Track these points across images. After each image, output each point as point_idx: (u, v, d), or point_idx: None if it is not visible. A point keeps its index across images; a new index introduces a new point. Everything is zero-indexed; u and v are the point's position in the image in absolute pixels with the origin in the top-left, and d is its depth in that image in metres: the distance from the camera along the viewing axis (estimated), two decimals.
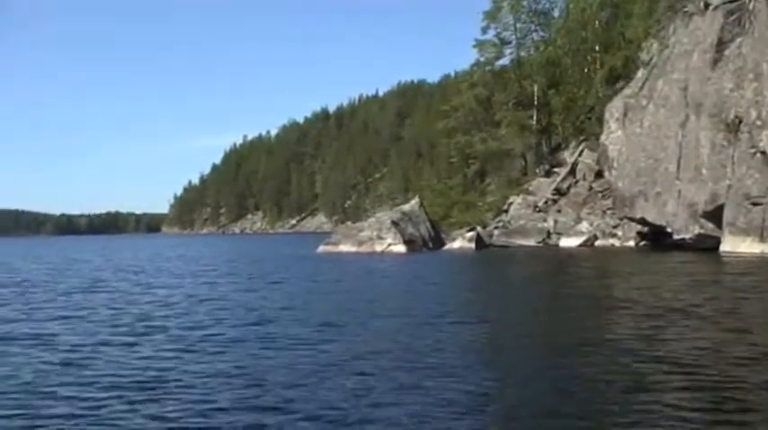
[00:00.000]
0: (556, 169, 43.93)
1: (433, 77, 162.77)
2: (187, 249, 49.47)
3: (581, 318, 10.75)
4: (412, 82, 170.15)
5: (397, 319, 10.65)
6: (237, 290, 16.49)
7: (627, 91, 31.83)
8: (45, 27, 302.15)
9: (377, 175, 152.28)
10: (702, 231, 25.68)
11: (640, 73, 31.70)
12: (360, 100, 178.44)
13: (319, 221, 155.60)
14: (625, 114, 30.97)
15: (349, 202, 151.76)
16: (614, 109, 31.98)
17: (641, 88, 30.58)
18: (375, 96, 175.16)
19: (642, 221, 30.04)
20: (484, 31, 46.00)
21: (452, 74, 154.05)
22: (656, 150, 28.58)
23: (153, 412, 5.71)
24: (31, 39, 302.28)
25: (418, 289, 16.23)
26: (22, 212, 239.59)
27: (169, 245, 65.98)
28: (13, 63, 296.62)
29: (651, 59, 31.23)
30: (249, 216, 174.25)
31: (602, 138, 32.36)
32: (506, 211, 41.71)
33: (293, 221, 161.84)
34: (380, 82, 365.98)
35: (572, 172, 41.15)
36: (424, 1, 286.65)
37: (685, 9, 28.93)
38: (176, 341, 9.04)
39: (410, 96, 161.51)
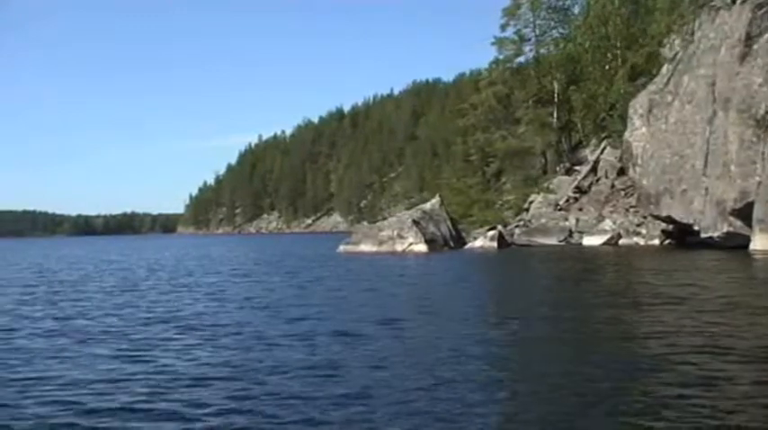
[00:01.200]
0: (576, 167, 43.49)
1: (448, 76, 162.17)
2: (208, 249, 49.42)
3: (641, 315, 10.69)
4: (427, 81, 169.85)
5: (473, 317, 10.86)
6: (292, 289, 16.30)
7: (651, 87, 31.35)
8: (57, 25, 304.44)
9: (392, 175, 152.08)
10: (731, 229, 25.21)
11: (665, 69, 31.21)
12: (375, 99, 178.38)
13: (335, 221, 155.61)
14: (650, 111, 30.52)
15: (364, 202, 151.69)
16: (638, 105, 31.51)
17: (666, 84, 30.13)
18: (390, 95, 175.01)
19: (668, 219, 29.58)
20: (503, 28, 45.69)
21: (467, 73, 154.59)
22: (682, 147, 28.13)
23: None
24: (43, 37, 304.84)
25: (465, 288, 16.17)
26: (39, 213, 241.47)
27: (190, 245, 66.26)
28: (26, 63, 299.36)
29: (676, 55, 30.74)
30: (264, 216, 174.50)
31: (626, 134, 31.88)
32: (527, 210, 41.32)
33: (308, 221, 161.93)
34: (395, 81, 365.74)
35: (593, 170, 40.69)
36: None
37: (712, 3, 28.42)
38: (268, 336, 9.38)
39: (425, 95, 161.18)
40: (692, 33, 30.58)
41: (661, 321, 9.72)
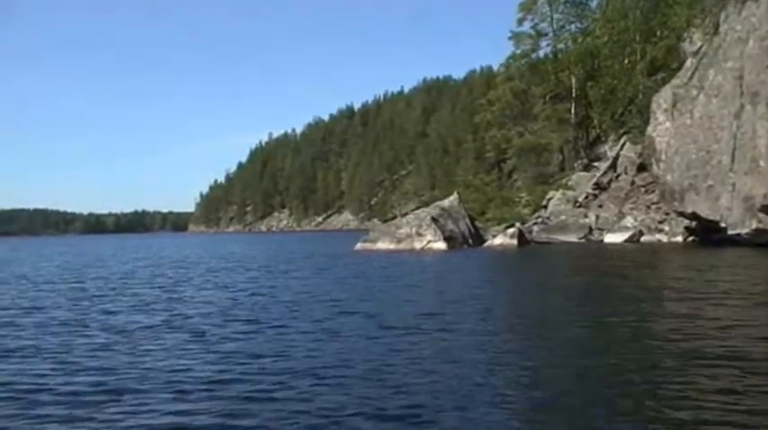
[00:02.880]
0: (595, 163, 42.91)
1: (459, 74, 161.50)
2: (227, 247, 48.90)
3: (691, 310, 10.39)
4: (437, 78, 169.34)
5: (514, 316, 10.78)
6: (329, 286, 16.19)
7: (675, 81, 30.71)
8: (71, 26, 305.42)
9: (403, 172, 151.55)
10: (760, 226, 24.60)
11: (689, 62, 30.57)
12: (385, 97, 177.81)
13: (345, 219, 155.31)
14: (674, 105, 29.88)
15: (375, 200, 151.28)
16: (662, 100, 30.85)
17: (690, 78, 29.48)
18: (400, 93, 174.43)
19: (693, 216, 28.95)
20: (519, 22, 45.13)
21: (478, 70, 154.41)
22: (708, 142, 27.50)
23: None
24: (56, 38, 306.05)
25: (496, 286, 15.89)
26: (51, 212, 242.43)
27: (206, 243, 65.95)
28: (39, 63, 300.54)
29: (700, 48, 30.09)
30: (275, 214, 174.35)
31: (649, 130, 31.24)
32: (545, 207, 40.76)
33: (319, 219, 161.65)
34: (406, 79, 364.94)
35: (612, 166, 40.12)
36: None
37: None
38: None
39: (436, 93, 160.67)
40: (716, 26, 29.96)
41: (720, 316, 9.64)
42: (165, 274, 22.01)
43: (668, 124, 30.08)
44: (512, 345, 8.17)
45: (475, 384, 6.25)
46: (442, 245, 30.62)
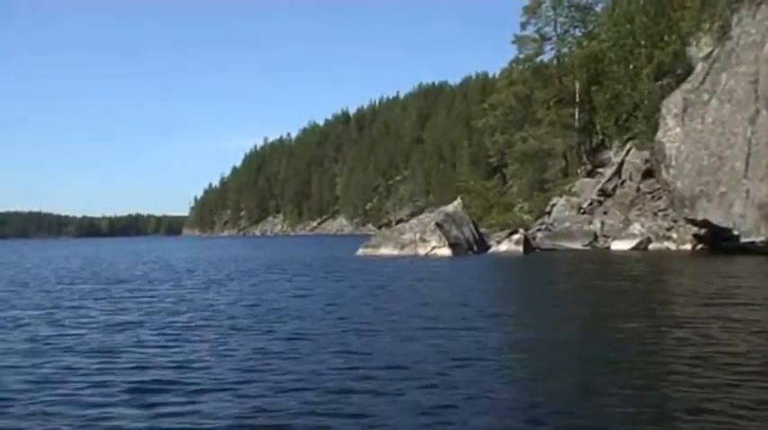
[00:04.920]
0: (599, 169, 42.29)
1: (455, 79, 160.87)
2: (228, 252, 48.16)
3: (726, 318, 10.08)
4: (433, 84, 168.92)
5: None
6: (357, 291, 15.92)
7: (686, 86, 30.08)
8: (69, 27, 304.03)
9: (398, 178, 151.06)
10: None
11: (700, 67, 29.95)
12: (381, 102, 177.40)
13: (340, 224, 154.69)
14: (684, 110, 29.25)
15: (370, 205, 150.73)
16: (672, 105, 30.22)
17: (702, 82, 28.87)
18: (396, 98, 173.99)
19: (704, 223, 28.31)
20: (523, 26, 44.52)
21: (474, 75, 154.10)
22: (721, 147, 26.88)
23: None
24: (52, 38, 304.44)
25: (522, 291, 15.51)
26: (45, 214, 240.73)
27: (205, 247, 65.26)
28: (33, 64, 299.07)
29: (711, 52, 29.49)
30: (269, 218, 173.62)
31: (659, 135, 30.59)
32: (548, 213, 40.12)
33: (314, 224, 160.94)
34: (401, 84, 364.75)
35: (617, 172, 39.48)
36: (444, 1, 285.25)
37: None
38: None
39: (431, 98, 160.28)
40: (724, 30, 29.39)
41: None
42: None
43: (678, 129, 29.44)
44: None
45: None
46: (446, 251, 29.93)
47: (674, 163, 29.58)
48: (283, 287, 17.28)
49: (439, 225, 30.93)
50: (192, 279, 21.16)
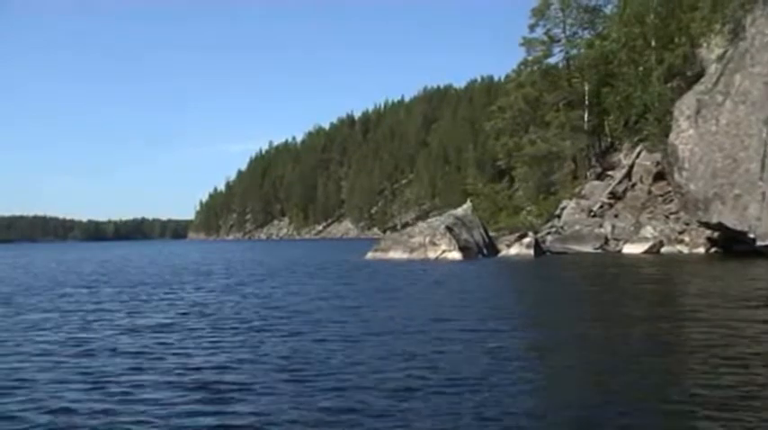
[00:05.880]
0: (609, 172, 41.92)
1: (460, 82, 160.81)
2: (237, 254, 47.94)
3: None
4: (438, 87, 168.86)
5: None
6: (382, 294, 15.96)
7: (699, 87, 29.72)
8: (69, 27, 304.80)
9: (403, 181, 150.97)
10: None
11: (713, 68, 29.59)
12: (386, 105, 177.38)
13: (345, 227, 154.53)
14: (698, 112, 28.89)
15: (375, 208, 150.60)
16: (685, 106, 29.87)
17: (715, 84, 28.52)
18: (401, 101, 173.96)
19: (718, 226, 27.94)
20: (531, 28, 44.20)
21: (479, 79, 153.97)
22: (735, 149, 26.52)
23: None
24: (54, 40, 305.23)
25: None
26: (51, 218, 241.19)
27: (215, 250, 65.07)
28: (37, 65, 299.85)
29: (725, 53, 29.14)
30: (275, 222, 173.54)
31: (671, 137, 30.23)
32: (558, 216, 39.77)
33: (319, 227, 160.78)
34: (406, 87, 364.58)
35: (628, 175, 39.13)
36: (450, 5, 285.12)
37: None
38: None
39: (436, 101, 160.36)
40: (735, 31, 29.03)
41: None
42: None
43: (692, 131, 29.08)
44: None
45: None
46: (457, 254, 29.61)
47: (687, 165, 29.23)
48: (305, 290, 17.32)
49: (449, 228, 30.62)
50: (213, 281, 21.63)
